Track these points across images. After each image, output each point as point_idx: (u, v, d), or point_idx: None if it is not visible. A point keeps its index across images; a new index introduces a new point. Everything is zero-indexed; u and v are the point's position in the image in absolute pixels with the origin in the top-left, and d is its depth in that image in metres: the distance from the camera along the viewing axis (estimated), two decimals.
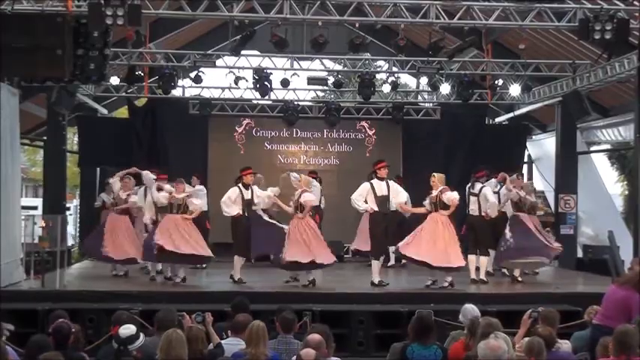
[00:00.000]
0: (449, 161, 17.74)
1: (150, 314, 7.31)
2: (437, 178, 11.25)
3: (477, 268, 12.02)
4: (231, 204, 11.57)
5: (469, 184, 12.24)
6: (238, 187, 11.70)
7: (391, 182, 11.74)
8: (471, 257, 12.00)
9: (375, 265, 11.52)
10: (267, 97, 16.06)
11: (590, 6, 10.44)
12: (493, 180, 12.74)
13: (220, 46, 15.48)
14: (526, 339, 5.81)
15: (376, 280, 11.40)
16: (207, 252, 11.50)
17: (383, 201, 11.45)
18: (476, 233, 12.01)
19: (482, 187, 12.03)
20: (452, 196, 10.97)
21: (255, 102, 17.66)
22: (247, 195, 11.61)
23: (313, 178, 15.45)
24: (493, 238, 12.25)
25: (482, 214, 11.96)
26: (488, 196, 11.97)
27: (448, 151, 17.89)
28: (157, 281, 11.98)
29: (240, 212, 11.57)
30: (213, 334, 6.50)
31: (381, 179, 11.53)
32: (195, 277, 12.27)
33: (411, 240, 11.12)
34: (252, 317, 6.40)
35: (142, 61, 14.67)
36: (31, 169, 29.93)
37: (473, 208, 12.02)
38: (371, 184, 11.49)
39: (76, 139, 22.81)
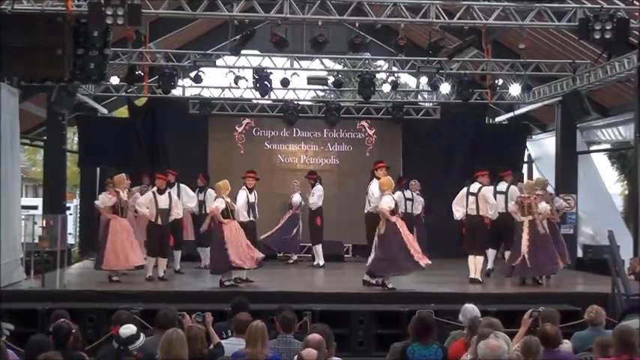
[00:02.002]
0: (449, 161, 17.78)
1: (150, 314, 7.31)
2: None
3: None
4: (244, 210, 11.74)
5: (466, 184, 12.23)
6: (244, 190, 11.82)
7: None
8: (471, 257, 11.99)
9: None
10: (267, 97, 16.04)
11: (590, 5, 10.42)
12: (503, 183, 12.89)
13: (220, 46, 15.45)
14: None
15: (381, 279, 11.41)
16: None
17: None
18: (474, 233, 11.99)
19: (480, 188, 11.99)
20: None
21: (255, 102, 17.64)
22: (252, 198, 11.79)
23: (313, 178, 15.50)
24: (493, 238, 12.23)
25: (481, 214, 11.93)
26: (488, 198, 11.95)
27: (448, 151, 17.91)
28: (155, 281, 11.97)
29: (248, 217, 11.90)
30: (213, 334, 6.51)
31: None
32: (195, 277, 12.26)
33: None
34: (252, 317, 6.41)
35: (141, 61, 14.66)
36: (31, 168, 29.93)
37: (471, 208, 11.99)
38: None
39: (75, 138, 22.79)
